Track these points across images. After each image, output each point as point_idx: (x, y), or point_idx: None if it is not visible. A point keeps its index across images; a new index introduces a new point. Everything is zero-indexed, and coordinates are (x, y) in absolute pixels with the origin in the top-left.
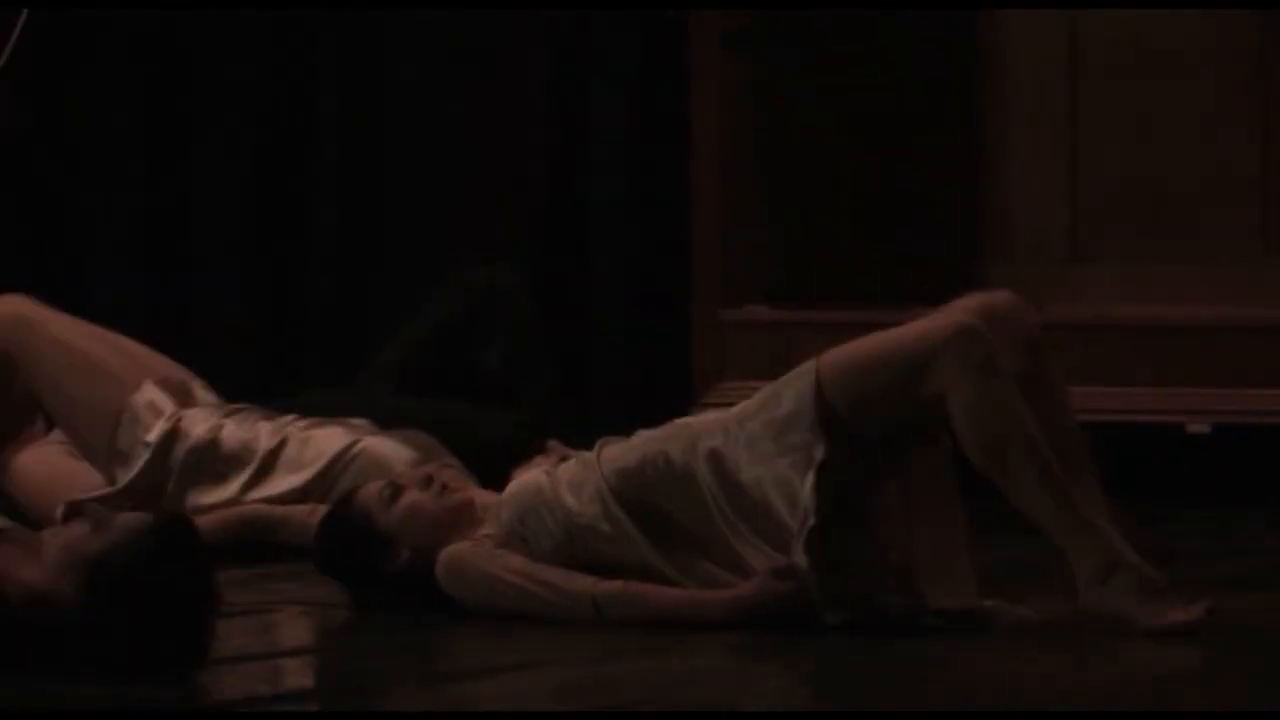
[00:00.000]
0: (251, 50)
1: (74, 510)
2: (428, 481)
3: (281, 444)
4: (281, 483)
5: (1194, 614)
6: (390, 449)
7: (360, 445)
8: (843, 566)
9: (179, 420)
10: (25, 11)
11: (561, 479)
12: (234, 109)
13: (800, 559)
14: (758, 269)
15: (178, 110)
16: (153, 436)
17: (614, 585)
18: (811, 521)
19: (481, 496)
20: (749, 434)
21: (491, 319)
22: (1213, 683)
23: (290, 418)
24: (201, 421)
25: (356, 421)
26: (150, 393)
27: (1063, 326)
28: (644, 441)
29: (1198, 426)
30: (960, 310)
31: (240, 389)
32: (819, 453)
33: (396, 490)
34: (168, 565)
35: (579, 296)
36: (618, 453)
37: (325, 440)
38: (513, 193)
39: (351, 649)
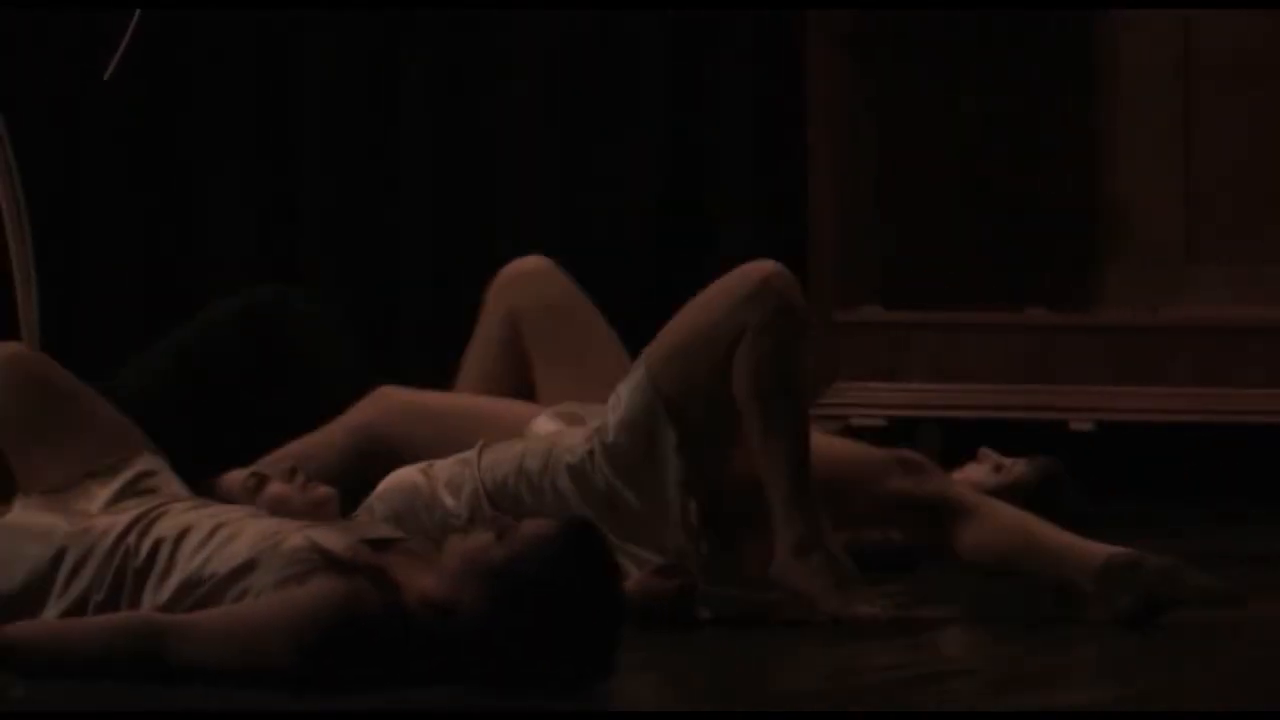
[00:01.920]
0: (343, 27)
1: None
2: (291, 474)
3: None
4: None
5: (881, 611)
6: None
7: None
8: (719, 563)
9: None
10: (138, 12)
11: (439, 478)
12: (330, 99)
13: (687, 548)
14: (873, 269)
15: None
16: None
17: None
18: (694, 521)
19: None
20: (604, 446)
21: (250, 341)
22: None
23: None
24: None
25: None
26: (546, 422)
27: (1177, 327)
28: (520, 453)
29: None
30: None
31: None
32: (669, 439)
33: (261, 480)
34: (574, 574)
35: (692, 296)
36: (497, 459)
37: None
38: (627, 192)
39: None
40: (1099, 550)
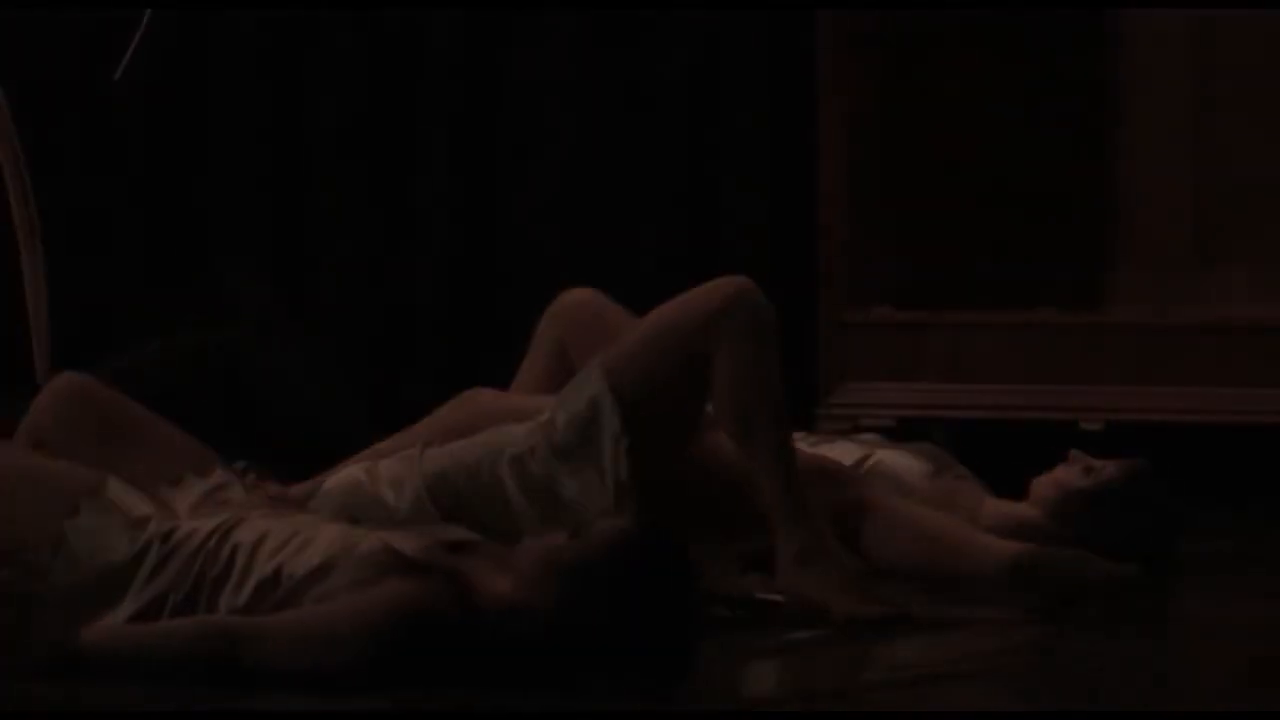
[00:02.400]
0: (359, 36)
1: None
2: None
3: None
4: None
5: (893, 609)
6: (904, 462)
7: (874, 459)
8: None
9: None
10: (149, 12)
11: (382, 476)
12: (347, 110)
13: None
14: (884, 271)
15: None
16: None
17: None
18: (630, 506)
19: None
20: (550, 439)
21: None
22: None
23: (800, 434)
24: None
25: (866, 436)
26: None
27: (1187, 327)
28: (461, 447)
29: None
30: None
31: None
32: (617, 440)
33: None
34: (648, 573)
35: None
36: (438, 454)
37: (837, 456)
38: (638, 194)
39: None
40: (1006, 548)
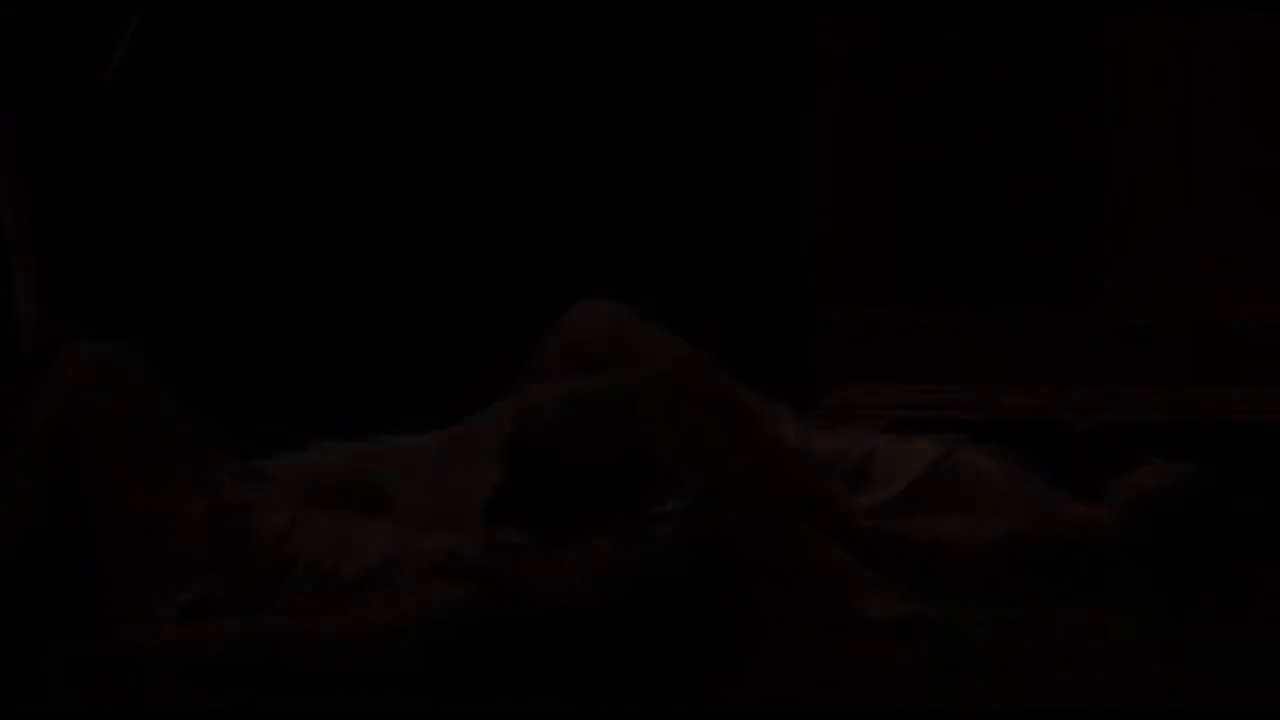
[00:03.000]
0: (332, 46)
1: None
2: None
3: (870, 454)
4: (877, 494)
5: (919, 609)
6: (982, 462)
7: (952, 458)
8: None
9: None
10: (137, 14)
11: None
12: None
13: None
14: (876, 270)
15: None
16: None
17: None
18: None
19: None
20: (443, 463)
21: None
22: None
23: (879, 429)
24: (789, 435)
25: (945, 435)
26: None
27: (1182, 329)
28: (355, 459)
29: None
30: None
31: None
32: (502, 478)
33: None
34: (691, 574)
35: (696, 297)
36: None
37: (917, 453)
38: (630, 191)
39: None
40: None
